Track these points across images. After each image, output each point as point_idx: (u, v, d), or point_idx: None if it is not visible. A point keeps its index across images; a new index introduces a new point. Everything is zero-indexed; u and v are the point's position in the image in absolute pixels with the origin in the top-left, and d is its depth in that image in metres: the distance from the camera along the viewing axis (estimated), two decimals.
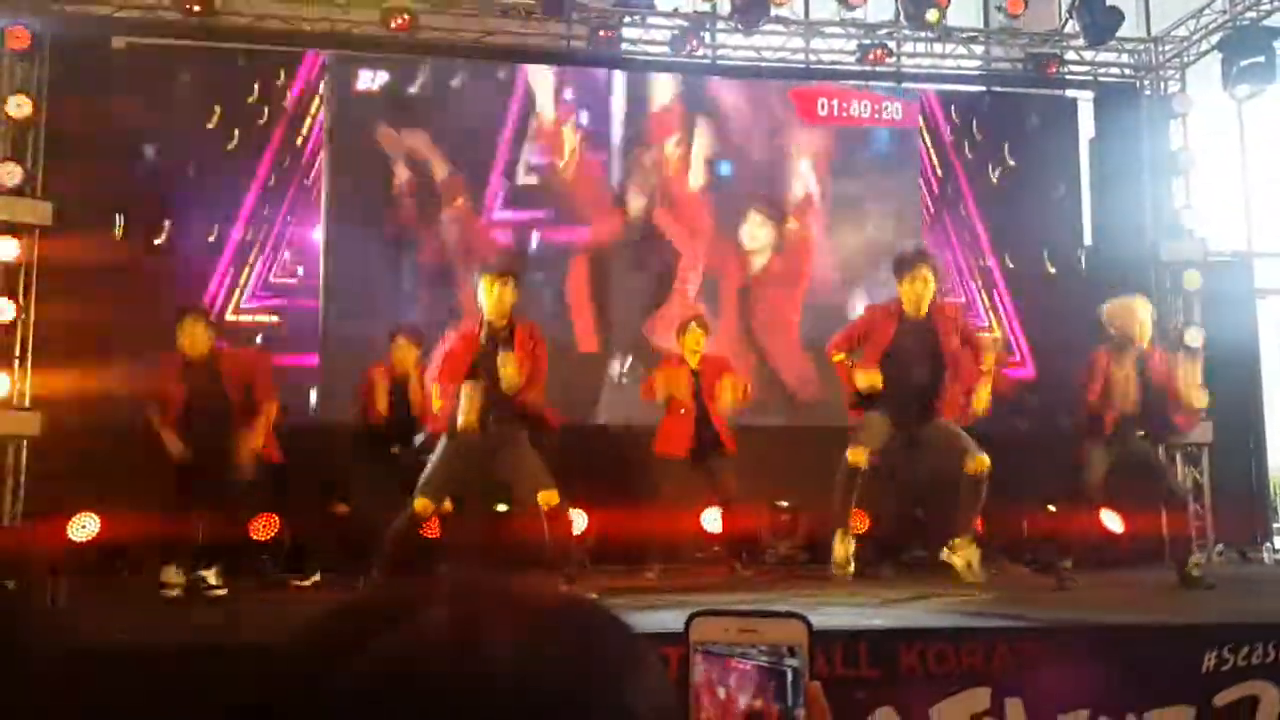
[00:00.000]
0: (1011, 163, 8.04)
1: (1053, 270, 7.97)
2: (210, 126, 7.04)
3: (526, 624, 0.54)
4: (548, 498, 4.72)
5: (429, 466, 4.86)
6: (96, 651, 3.33)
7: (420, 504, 4.75)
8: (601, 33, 7.38)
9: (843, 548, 5.03)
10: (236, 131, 7.09)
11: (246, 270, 7.05)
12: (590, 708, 0.52)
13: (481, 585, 0.57)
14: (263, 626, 3.98)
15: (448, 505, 5.34)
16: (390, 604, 0.55)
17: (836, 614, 4.04)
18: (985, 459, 4.93)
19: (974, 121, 8.08)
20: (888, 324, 5.19)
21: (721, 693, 0.79)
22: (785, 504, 6.92)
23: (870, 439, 5.11)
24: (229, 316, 6.91)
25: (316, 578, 5.68)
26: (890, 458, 5.40)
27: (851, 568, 5.04)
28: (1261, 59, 7.37)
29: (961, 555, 4.99)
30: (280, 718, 0.52)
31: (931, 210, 8.00)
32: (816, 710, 0.77)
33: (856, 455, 5.03)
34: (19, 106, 6.55)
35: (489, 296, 4.74)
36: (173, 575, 5.08)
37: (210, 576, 5.06)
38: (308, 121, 7.24)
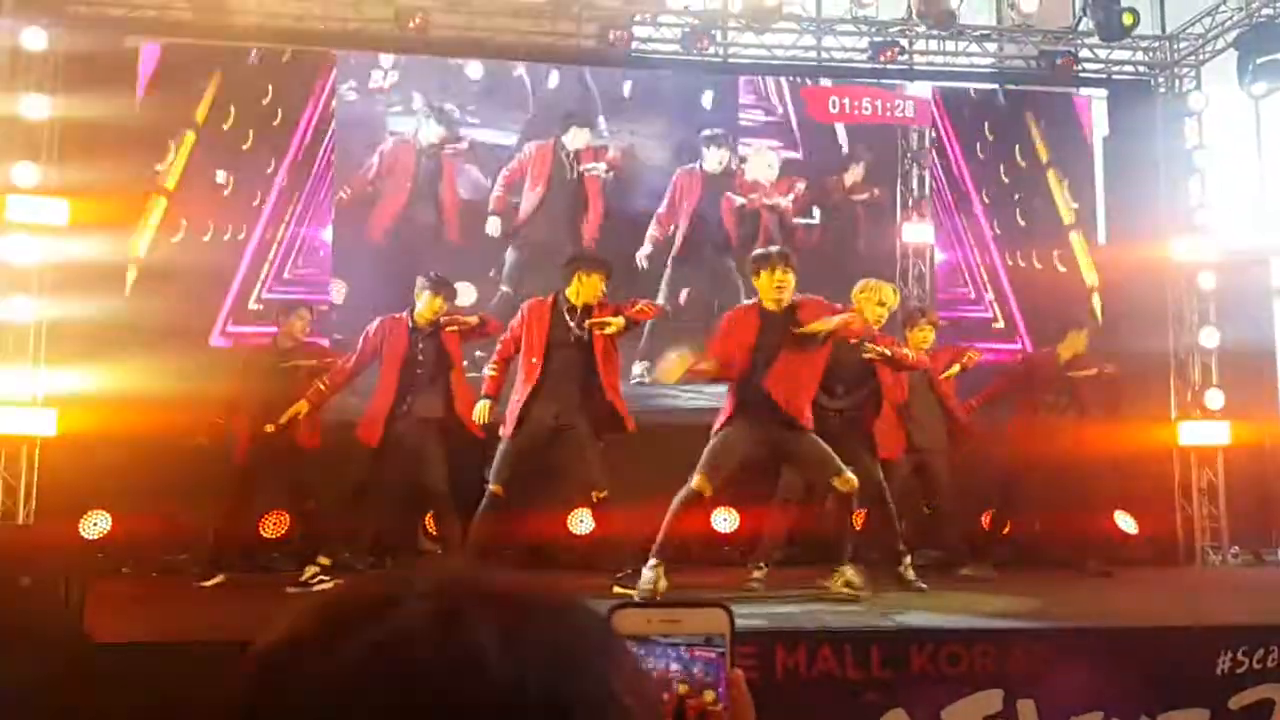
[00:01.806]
0: (1023, 162, 7.98)
1: (1063, 269, 7.92)
2: (226, 127, 7.07)
3: (508, 616, 0.54)
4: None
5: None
6: (105, 648, 3.35)
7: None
8: (614, 33, 7.34)
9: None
10: (251, 132, 7.12)
11: (265, 268, 7.09)
12: (573, 697, 0.52)
13: (463, 578, 0.58)
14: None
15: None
16: (373, 597, 0.56)
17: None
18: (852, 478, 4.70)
19: (986, 120, 8.04)
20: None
21: None
22: None
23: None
24: (230, 328, 6.95)
25: None
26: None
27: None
28: (1278, 56, 7.29)
29: (839, 579, 4.78)
30: (265, 711, 0.52)
31: (942, 207, 7.96)
32: (738, 698, 0.78)
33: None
34: (36, 107, 6.59)
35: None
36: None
37: None
38: (319, 119, 7.26)
